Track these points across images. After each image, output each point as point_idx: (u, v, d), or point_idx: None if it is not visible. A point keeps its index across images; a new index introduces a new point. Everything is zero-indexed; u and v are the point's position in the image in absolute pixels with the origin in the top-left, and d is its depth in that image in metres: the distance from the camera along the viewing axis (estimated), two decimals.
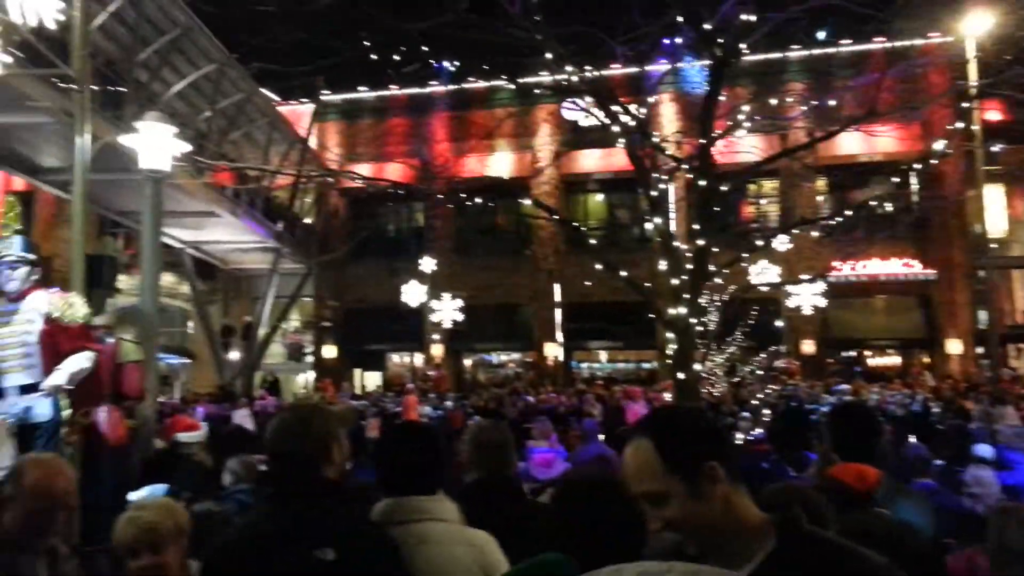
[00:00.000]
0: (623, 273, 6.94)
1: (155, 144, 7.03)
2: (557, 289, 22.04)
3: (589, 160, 22.71)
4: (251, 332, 22.06)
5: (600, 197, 24.72)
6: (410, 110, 24.78)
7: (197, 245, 20.99)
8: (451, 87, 22.05)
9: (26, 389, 4.54)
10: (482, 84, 20.64)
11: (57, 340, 4.61)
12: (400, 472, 2.43)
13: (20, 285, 4.69)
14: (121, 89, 14.80)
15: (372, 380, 25.15)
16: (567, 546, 1.79)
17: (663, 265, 6.60)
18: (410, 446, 2.54)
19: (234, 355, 22.35)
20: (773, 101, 7.66)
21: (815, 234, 18.60)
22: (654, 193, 6.50)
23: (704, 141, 5.99)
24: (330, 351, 24.71)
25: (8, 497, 2.42)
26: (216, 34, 16.20)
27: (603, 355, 24.76)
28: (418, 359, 24.53)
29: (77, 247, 5.93)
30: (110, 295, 6.68)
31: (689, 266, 6.17)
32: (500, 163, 22.87)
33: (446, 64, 7.77)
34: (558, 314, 21.92)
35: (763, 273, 12.85)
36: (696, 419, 1.59)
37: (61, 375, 4.51)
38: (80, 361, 4.60)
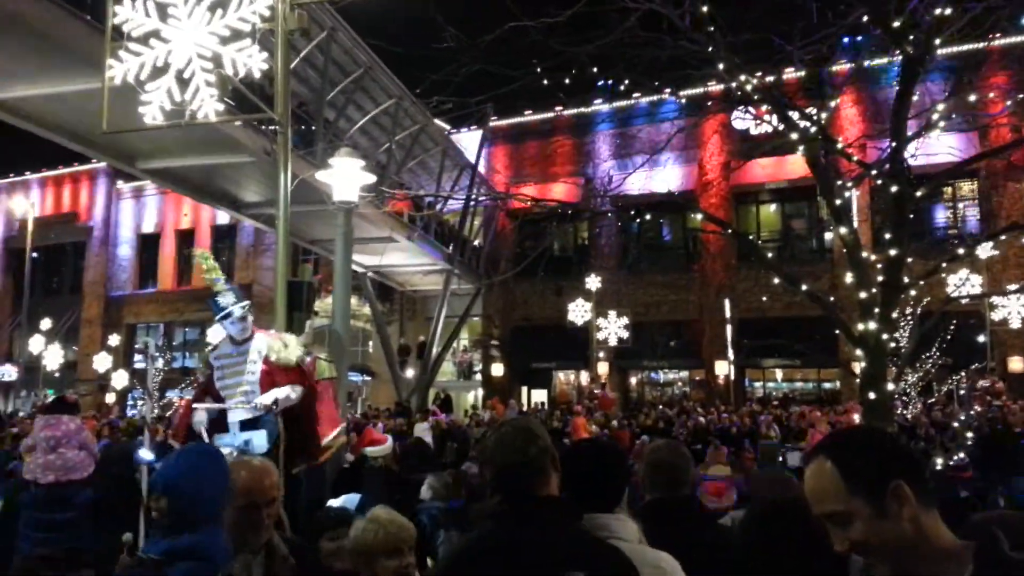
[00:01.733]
0: (804, 287, 6.59)
1: (346, 177, 7.60)
2: (727, 304, 21.33)
3: (760, 170, 21.86)
4: (425, 351, 23.10)
5: (773, 208, 23.72)
6: (575, 129, 25.07)
7: (377, 269, 22.32)
8: (616, 104, 22.07)
9: (246, 425, 5.01)
10: (647, 99, 20.51)
11: (275, 378, 5.05)
12: (583, 489, 2.36)
13: (249, 331, 5.19)
14: (311, 127, 16.11)
15: (538, 397, 25.48)
16: (759, 571, 1.72)
17: (849, 278, 6.20)
18: (593, 463, 2.50)
19: (410, 373, 23.47)
20: (972, 97, 6.99)
21: None
22: (838, 201, 6.14)
23: (896, 143, 5.59)
24: (498, 369, 25.32)
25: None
26: (396, 73, 17.31)
27: (779, 373, 23.61)
28: (584, 377, 24.58)
29: (281, 276, 6.49)
30: (308, 317, 7.26)
31: (880, 278, 5.76)
32: (667, 177, 22.56)
33: (614, 82, 7.77)
34: (729, 330, 21.17)
35: (964, 284, 11.72)
36: (879, 438, 1.53)
37: (268, 396, 4.94)
38: (287, 391, 5.00)
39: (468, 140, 23.90)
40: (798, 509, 1.92)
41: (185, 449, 2.90)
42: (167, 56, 6.81)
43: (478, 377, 26.69)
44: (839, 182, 6.57)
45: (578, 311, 21.66)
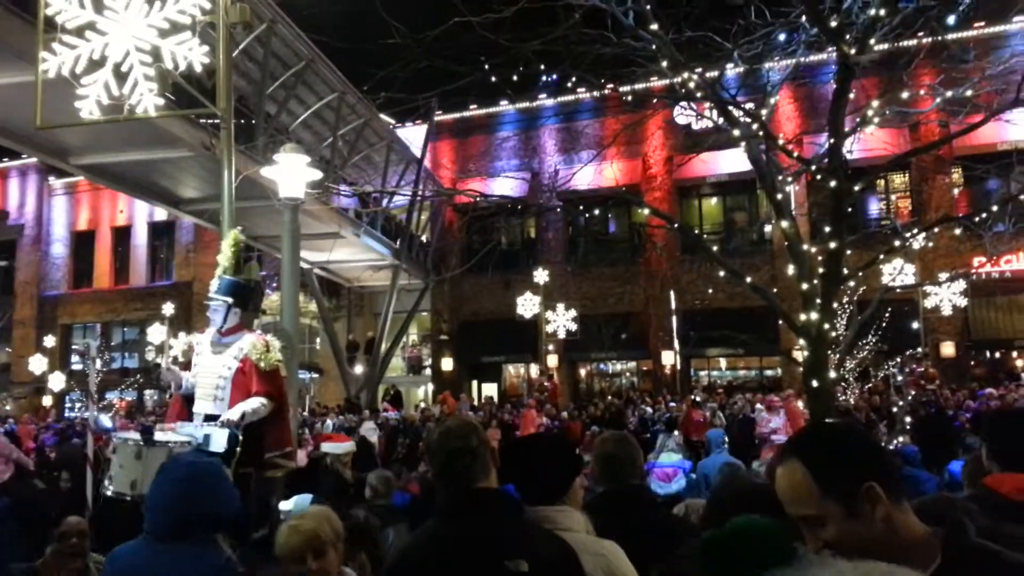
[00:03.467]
0: (748, 279, 6.76)
1: (291, 174, 7.49)
2: (672, 296, 21.71)
3: (702, 164, 22.26)
4: (374, 347, 22.92)
5: (715, 201, 24.20)
6: (520, 124, 25.13)
7: (323, 265, 22.03)
8: (561, 99, 22.19)
9: (210, 419, 4.92)
10: (591, 94, 20.70)
11: (248, 381, 4.96)
12: (528, 482, 2.41)
13: (228, 325, 5.11)
14: (251, 121, 15.78)
15: (489, 391, 25.55)
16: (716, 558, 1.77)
17: (791, 269, 6.40)
18: (539, 456, 2.55)
19: (359, 369, 23.26)
20: (904, 94, 7.27)
21: (958, 231, 17.49)
22: (779, 196, 6.32)
23: (834, 140, 5.78)
24: (447, 363, 25.29)
25: None
26: (339, 67, 17.06)
27: (723, 362, 24.16)
28: (533, 370, 24.73)
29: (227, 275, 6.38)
30: (257, 317, 7.16)
31: (821, 270, 5.96)
32: (612, 172, 22.78)
33: (558, 77, 7.84)
34: (674, 321, 21.56)
35: (899, 273, 12.15)
36: (851, 437, 1.52)
37: (236, 411, 4.81)
38: (256, 403, 4.88)
39: (413, 135, 23.73)
40: (763, 497, 1.96)
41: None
42: (104, 49, 6.61)
43: (428, 372, 26.60)
44: (779, 177, 6.76)
45: (527, 305, 21.77)
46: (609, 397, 20.22)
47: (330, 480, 6.79)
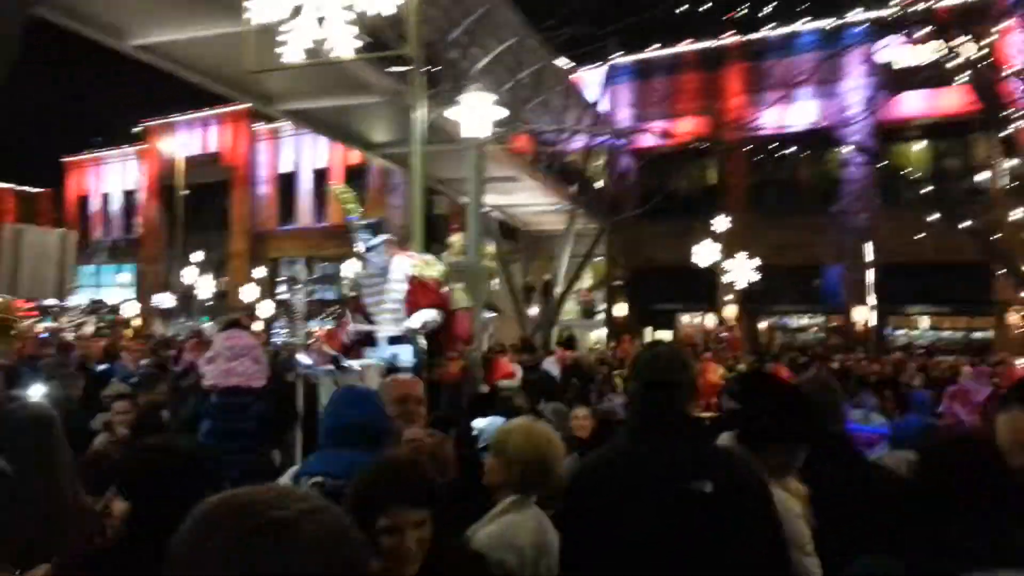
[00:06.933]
0: (968, 223, 6.07)
1: (477, 114, 7.64)
2: (868, 248, 20.09)
3: (909, 105, 20.17)
4: (549, 290, 23.27)
5: (922, 145, 21.93)
6: (703, 64, 23.97)
7: (502, 208, 22.50)
8: (749, 36, 20.86)
9: (394, 340, 5.44)
10: (782, 31, 19.27)
11: (417, 297, 5.52)
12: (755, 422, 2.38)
13: (385, 258, 5.68)
14: (434, 68, 16.20)
15: (663, 339, 25.19)
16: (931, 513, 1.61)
17: (1018, 213, 5.66)
18: (769, 396, 2.48)
19: (533, 311, 23.76)
20: None
21: None
22: (1009, 130, 5.57)
23: None
24: (621, 309, 25.19)
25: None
26: (520, 8, 17.05)
27: (924, 321, 22.17)
28: (709, 320, 24.04)
29: (417, 209, 6.70)
30: (444, 249, 7.54)
31: None
32: (803, 113, 21.24)
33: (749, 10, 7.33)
34: (870, 275, 19.99)
35: None
36: None
37: (416, 320, 5.41)
38: (431, 314, 5.47)
39: (591, 78, 23.35)
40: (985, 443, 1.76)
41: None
42: None
43: (601, 317, 26.66)
44: (1009, 110, 5.94)
45: (704, 252, 21.06)
46: (792, 352, 19.23)
47: (503, 408, 7.12)
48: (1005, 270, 5.61)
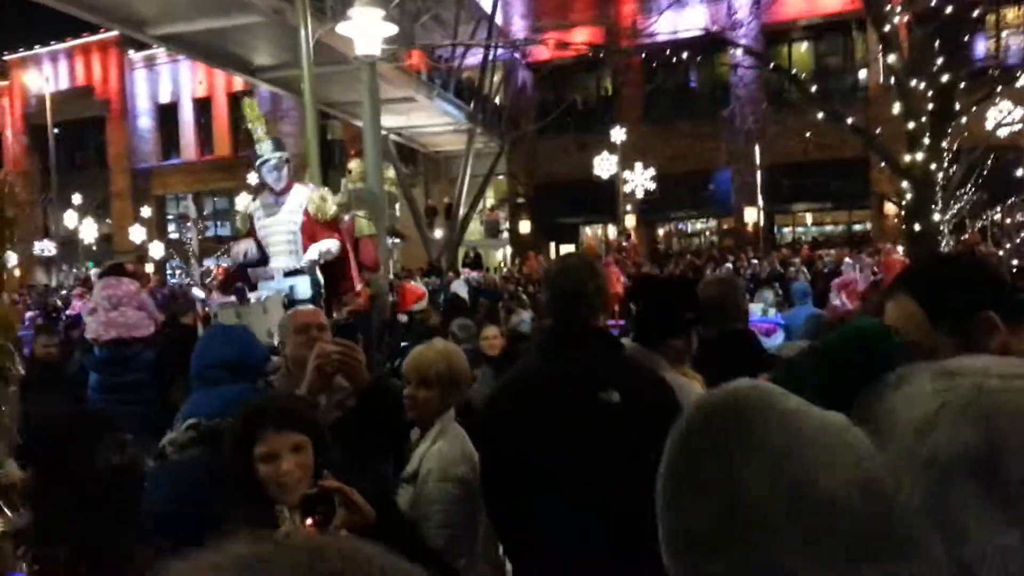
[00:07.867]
0: (849, 120, 6.40)
1: (367, 30, 7.35)
2: (757, 150, 20.84)
3: (794, 5, 20.66)
4: (452, 211, 23.13)
5: (805, 46, 22.63)
6: None
7: (399, 131, 21.97)
8: None
9: (290, 272, 5.28)
10: None
11: (314, 231, 5.35)
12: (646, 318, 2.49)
13: (285, 181, 5.42)
14: None
15: (573, 252, 25.58)
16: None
17: (896, 109, 6.00)
18: (655, 295, 2.60)
19: (438, 233, 23.63)
20: None
21: None
22: (887, 28, 5.83)
23: None
24: (525, 226, 25.37)
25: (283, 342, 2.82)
26: None
27: (808, 218, 23.42)
28: (611, 231, 24.58)
29: (311, 134, 6.46)
30: (342, 175, 7.30)
31: (930, 106, 5.56)
32: (693, 18, 21.44)
33: None
34: (759, 176, 20.81)
35: (1004, 117, 11.28)
36: (962, 267, 1.44)
37: (313, 252, 5.27)
38: (328, 244, 5.32)
39: None
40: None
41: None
42: None
43: (505, 235, 26.81)
44: (888, 7, 6.20)
45: (603, 165, 21.33)
46: (688, 256, 20.02)
47: (420, 328, 7.20)
48: (884, 163, 5.95)
